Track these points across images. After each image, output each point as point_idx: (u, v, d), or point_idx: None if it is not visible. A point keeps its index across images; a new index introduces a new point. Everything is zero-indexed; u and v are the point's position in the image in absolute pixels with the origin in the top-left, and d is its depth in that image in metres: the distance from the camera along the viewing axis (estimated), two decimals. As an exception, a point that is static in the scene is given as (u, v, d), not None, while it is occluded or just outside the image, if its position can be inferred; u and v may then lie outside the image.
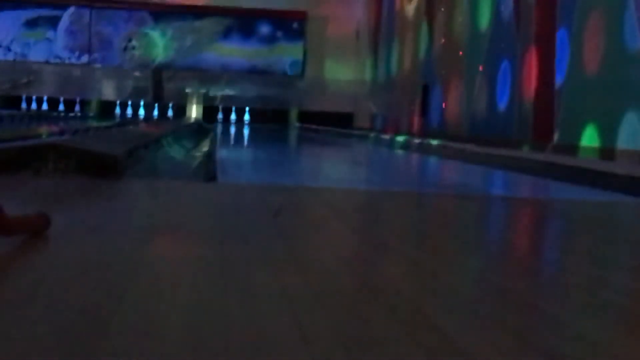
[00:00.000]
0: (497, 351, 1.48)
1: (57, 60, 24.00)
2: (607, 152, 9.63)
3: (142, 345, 1.42)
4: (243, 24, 24.58)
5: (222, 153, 9.19)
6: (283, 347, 1.45)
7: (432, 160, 10.61)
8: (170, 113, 22.91)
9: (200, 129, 15.02)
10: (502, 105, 13.55)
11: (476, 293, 2.04)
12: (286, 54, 24.63)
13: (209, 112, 22.82)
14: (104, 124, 15.11)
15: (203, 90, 23.07)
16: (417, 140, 13.72)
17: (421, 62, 18.54)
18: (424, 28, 18.30)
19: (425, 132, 17.03)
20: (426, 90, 17.90)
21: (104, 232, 2.70)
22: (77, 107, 23.12)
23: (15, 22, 24.00)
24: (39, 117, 19.07)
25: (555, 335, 1.60)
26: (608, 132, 9.93)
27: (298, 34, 24.65)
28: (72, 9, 24.19)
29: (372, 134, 17.18)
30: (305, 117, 22.95)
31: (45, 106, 22.91)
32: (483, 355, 1.46)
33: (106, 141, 5.79)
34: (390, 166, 10.06)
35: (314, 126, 20.28)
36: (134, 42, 24.36)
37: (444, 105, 16.61)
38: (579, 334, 1.64)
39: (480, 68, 14.32)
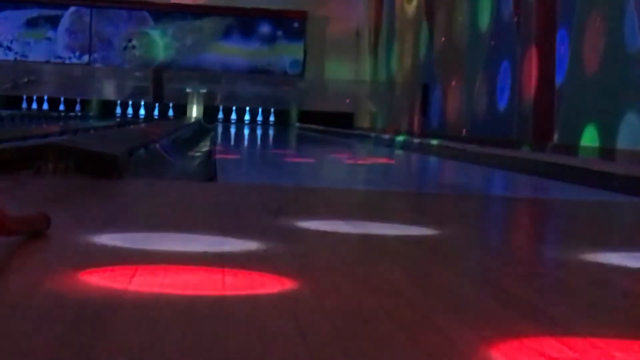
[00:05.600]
0: (498, 351, 1.48)
1: (58, 60, 24.00)
2: (607, 152, 9.63)
3: (142, 346, 1.42)
4: (243, 23, 24.57)
5: (222, 153, 9.19)
6: (283, 347, 1.45)
7: (432, 160, 10.61)
8: (170, 113, 22.90)
9: (201, 129, 15.02)
10: (502, 105, 13.55)
11: (476, 293, 2.04)
12: (286, 54, 24.63)
13: (209, 112, 22.80)
14: (105, 123, 15.10)
15: (203, 90, 23.05)
16: (417, 140, 13.71)
17: (421, 62, 18.54)
18: (424, 28, 18.30)
19: (425, 132, 17.03)
20: (426, 90, 17.91)
21: (104, 231, 2.70)
22: (78, 107, 23.10)
23: (15, 21, 24.00)
24: (39, 117, 19.06)
25: (556, 335, 1.60)
26: (608, 132, 9.93)
27: (298, 34, 24.65)
28: (72, 9, 24.19)
29: (372, 134, 17.17)
30: (306, 116, 22.93)
31: (45, 106, 22.89)
32: (483, 355, 1.46)
33: (106, 141, 5.79)
34: (390, 166, 10.06)
35: (314, 126, 20.27)
36: (134, 42, 24.36)
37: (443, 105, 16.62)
38: (579, 334, 1.64)
39: None
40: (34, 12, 24.07)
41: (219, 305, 1.74)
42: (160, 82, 23.11)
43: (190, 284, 1.95)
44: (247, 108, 23.35)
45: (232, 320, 1.62)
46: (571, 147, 10.50)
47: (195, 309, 1.70)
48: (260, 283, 1.99)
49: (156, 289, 1.87)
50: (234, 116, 23.25)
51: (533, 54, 12.23)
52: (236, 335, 1.51)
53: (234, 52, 24.49)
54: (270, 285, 1.97)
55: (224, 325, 1.57)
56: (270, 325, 1.58)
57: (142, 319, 1.61)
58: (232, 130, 20.01)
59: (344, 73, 23.99)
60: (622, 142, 9.55)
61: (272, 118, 23.23)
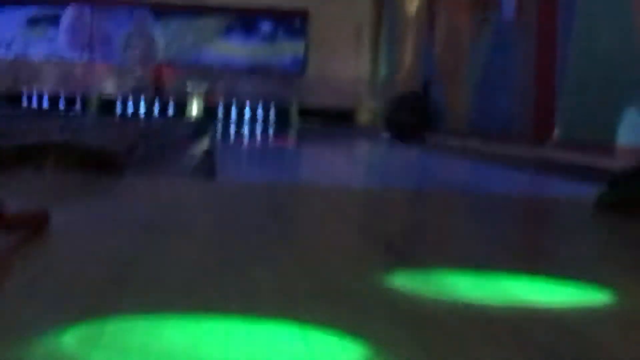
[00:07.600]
0: (497, 349, 1.48)
1: (58, 58, 24.00)
2: (607, 149, 9.63)
3: (142, 345, 1.43)
4: (244, 21, 24.57)
5: (222, 151, 9.19)
6: (283, 347, 1.46)
7: (433, 157, 10.61)
8: (171, 111, 22.89)
9: (201, 127, 15.02)
10: (502, 104, 13.55)
11: (476, 292, 2.04)
12: (287, 52, 24.62)
13: (209, 109, 22.79)
14: (105, 121, 15.09)
15: (204, 88, 23.04)
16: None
17: (422, 59, 18.54)
18: (425, 26, 18.30)
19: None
20: (427, 88, 17.90)
21: (104, 229, 2.71)
22: (78, 105, 23.10)
23: (16, 20, 24.01)
24: (40, 115, 19.05)
25: (555, 334, 1.60)
26: (608, 130, 9.92)
27: (299, 32, 24.64)
28: (73, 7, 24.19)
29: (372, 132, 17.18)
30: (306, 114, 22.92)
31: (46, 104, 22.89)
32: (483, 354, 1.47)
33: (107, 139, 5.79)
34: (391, 164, 10.06)
35: (315, 123, 20.26)
36: (134, 40, 24.36)
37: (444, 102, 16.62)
38: (578, 334, 1.64)
39: None
40: (34, 11, 24.07)
41: (219, 305, 1.74)
42: (161, 80, 23.12)
43: (190, 284, 1.95)
44: (248, 106, 23.34)
45: (233, 320, 1.62)
46: (572, 144, 10.50)
47: (196, 309, 1.70)
48: (260, 282, 1.99)
49: (156, 289, 1.87)
50: (234, 114, 23.25)
51: (533, 53, 12.22)
52: (237, 335, 1.51)
53: (235, 50, 24.47)
54: (270, 284, 1.97)
55: (225, 325, 1.58)
56: (270, 324, 1.58)
57: (143, 318, 1.61)
58: (233, 128, 20.01)
59: (345, 70, 23.99)
60: (622, 139, 9.55)
61: (272, 115, 23.21)
